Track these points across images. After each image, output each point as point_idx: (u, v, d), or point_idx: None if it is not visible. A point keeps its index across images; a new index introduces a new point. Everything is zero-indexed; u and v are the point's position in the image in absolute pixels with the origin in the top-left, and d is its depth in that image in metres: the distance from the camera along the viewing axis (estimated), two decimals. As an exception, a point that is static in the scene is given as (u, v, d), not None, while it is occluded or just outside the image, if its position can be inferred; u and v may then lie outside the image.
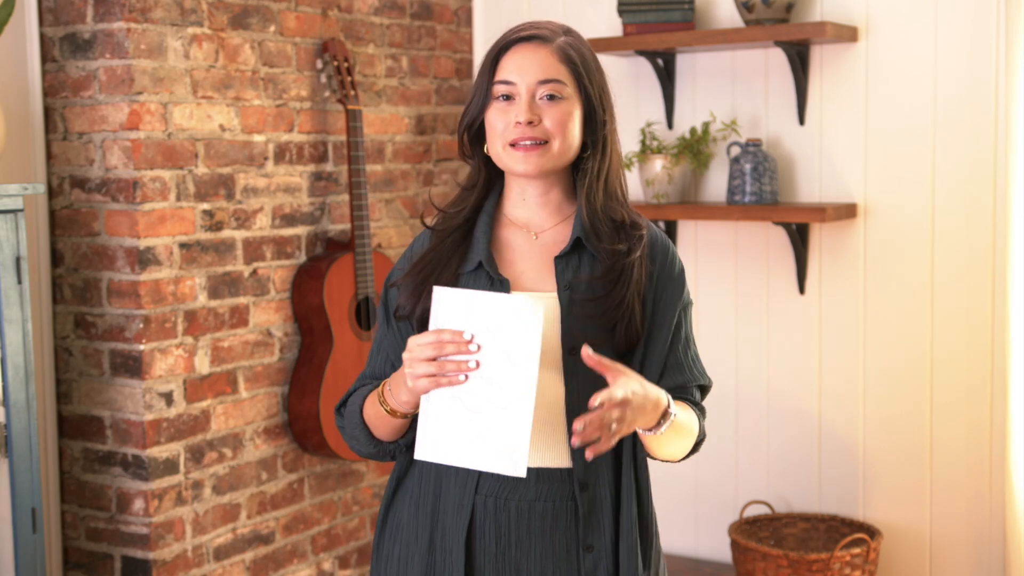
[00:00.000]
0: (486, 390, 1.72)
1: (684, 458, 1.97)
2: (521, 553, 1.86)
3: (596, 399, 1.68)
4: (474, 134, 1.95)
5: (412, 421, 1.90)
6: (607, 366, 1.74)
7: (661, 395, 1.81)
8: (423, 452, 1.78)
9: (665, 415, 1.81)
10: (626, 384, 1.73)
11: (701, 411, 1.97)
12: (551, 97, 1.87)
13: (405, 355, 1.76)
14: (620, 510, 1.89)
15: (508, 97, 1.88)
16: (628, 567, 1.89)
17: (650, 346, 1.92)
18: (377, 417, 1.89)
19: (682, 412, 1.88)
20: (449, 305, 1.75)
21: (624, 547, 1.89)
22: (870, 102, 3.49)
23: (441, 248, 1.93)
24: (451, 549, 1.87)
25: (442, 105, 4.02)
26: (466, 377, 1.73)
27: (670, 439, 1.86)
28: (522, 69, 1.87)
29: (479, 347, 1.72)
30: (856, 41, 3.48)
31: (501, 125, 1.88)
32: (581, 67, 1.90)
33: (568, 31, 1.93)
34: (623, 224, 1.91)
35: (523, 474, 1.73)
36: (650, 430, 1.81)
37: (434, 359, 1.74)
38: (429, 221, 2.00)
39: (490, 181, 1.97)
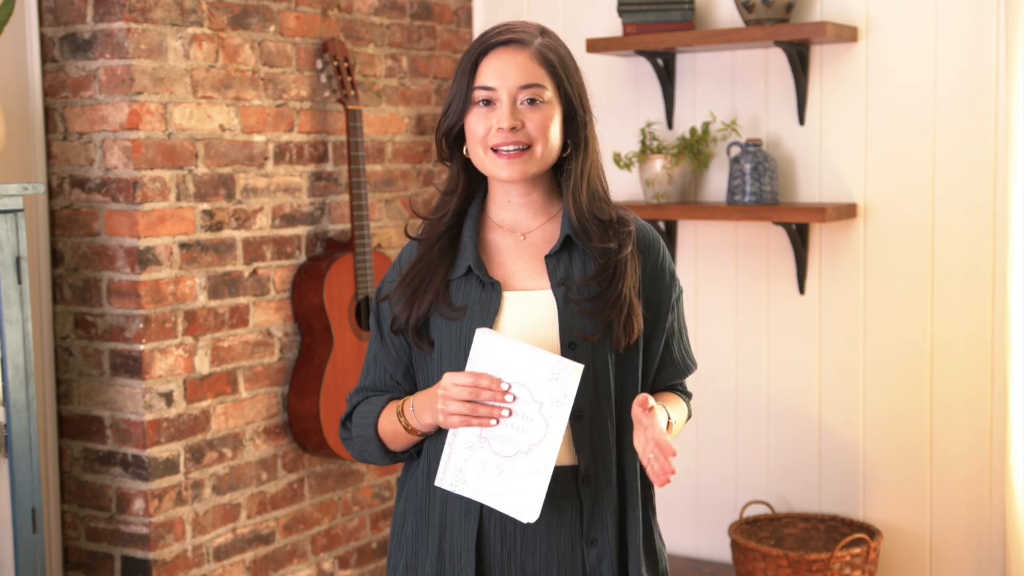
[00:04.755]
0: (514, 437, 1.78)
1: None
2: (526, 552, 1.88)
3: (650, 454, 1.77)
4: (453, 138, 1.95)
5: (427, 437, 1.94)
6: (637, 419, 1.79)
7: (663, 417, 1.88)
8: (443, 482, 1.84)
9: (667, 427, 1.89)
10: (649, 430, 1.80)
11: (688, 396, 2.07)
12: (531, 101, 1.87)
13: (439, 391, 1.80)
14: (625, 506, 1.91)
15: (488, 102, 1.88)
16: (635, 563, 1.91)
17: (649, 345, 1.95)
18: (394, 434, 1.93)
19: (677, 413, 1.97)
20: (489, 349, 1.78)
21: (631, 542, 1.91)
22: (870, 102, 3.49)
23: (429, 257, 1.94)
24: (460, 555, 1.89)
25: (442, 105, 4.02)
26: (497, 422, 1.78)
27: None
28: (502, 74, 1.87)
29: (515, 397, 1.77)
30: (856, 41, 3.48)
31: (482, 130, 1.88)
32: (560, 69, 1.90)
33: (544, 31, 1.93)
34: (610, 221, 1.93)
35: (533, 520, 1.79)
36: None
37: (469, 401, 1.77)
38: (412, 231, 2.01)
39: (470, 185, 1.98)
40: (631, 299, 1.88)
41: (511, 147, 1.86)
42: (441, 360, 1.89)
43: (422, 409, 1.86)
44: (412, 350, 1.95)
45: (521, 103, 1.87)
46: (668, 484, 1.77)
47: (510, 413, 1.77)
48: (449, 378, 1.79)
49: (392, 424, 1.92)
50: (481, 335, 1.79)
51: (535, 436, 1.76)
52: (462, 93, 1.90)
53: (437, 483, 1.83)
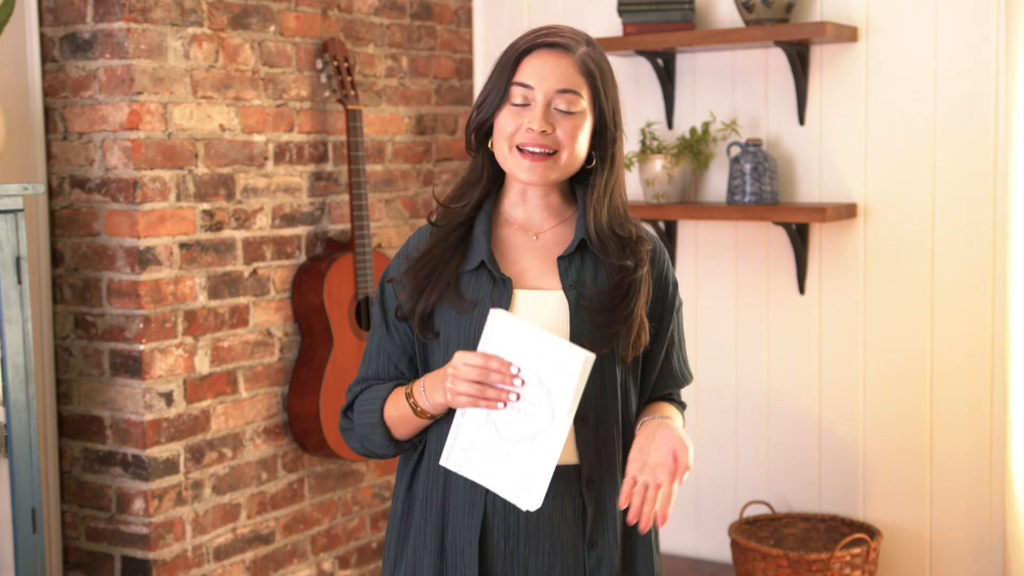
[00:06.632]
0: (520, 422, 1.77)
1: None
2: (529, 550, 1.88)
3: (622, 497, 1.81)
4: (484, 132, 1.95)
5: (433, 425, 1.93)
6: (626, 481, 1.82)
7: (679, 422, 1.92)
8: (448, 461, 1.83)
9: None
10: (636, 457, 1.82)
11: (683, 406, 2.07)
12: (565, 108, 1.87)
13: (449, 369, 1.80)
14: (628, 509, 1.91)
15: (523, 102, 1.88)
16: (641, 565, 1.92)
17: (650, 354, 1.96)
18: (402, 418, 1.91)
19: (678, 420, 1.98)
20: (502, 331, 1.77)
21: (638, 546, 1.91)
22: (870, 102, 3.49)
23: (442, 247, 1.93)
24: (463, 549, 1.88)
25: (442, 105, 4.02)
26: (504, 405, 1.77)
27: None
28: (542, 75, 1.87)
29: (524, 382, 1.76)
30: (856, 41, 3.48)
31: (511, 127, 1.88)
32: (599, 81, 1.90)
33: (589, 41, 1.93)
34: (629, 239, 1.92)
35: (535, 508, 1.78)
36: None
37: (478, 382, 1.77)
38: (434, 218, 2.00)
39: (494, 179, 1.97)
40: (641, 317, 1.90)
41: (537, 149, 1.86)
42: (447, 352, 1.88)
43: (433, 388, 1.84)
44: (415, 339, 1.95)
45: (555, 108, 1.87)
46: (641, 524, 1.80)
47: (518, 397, 1.76)
48: (460, 357, 1.78)
49: (399, 408, 1.90)
50: (495, 316, 1.77)
51: (541, 423, 1.75)
52: (500, 88, 1.90)
53: (442, 462, 1.82)
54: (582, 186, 1.95)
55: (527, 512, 1.87)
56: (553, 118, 1.87)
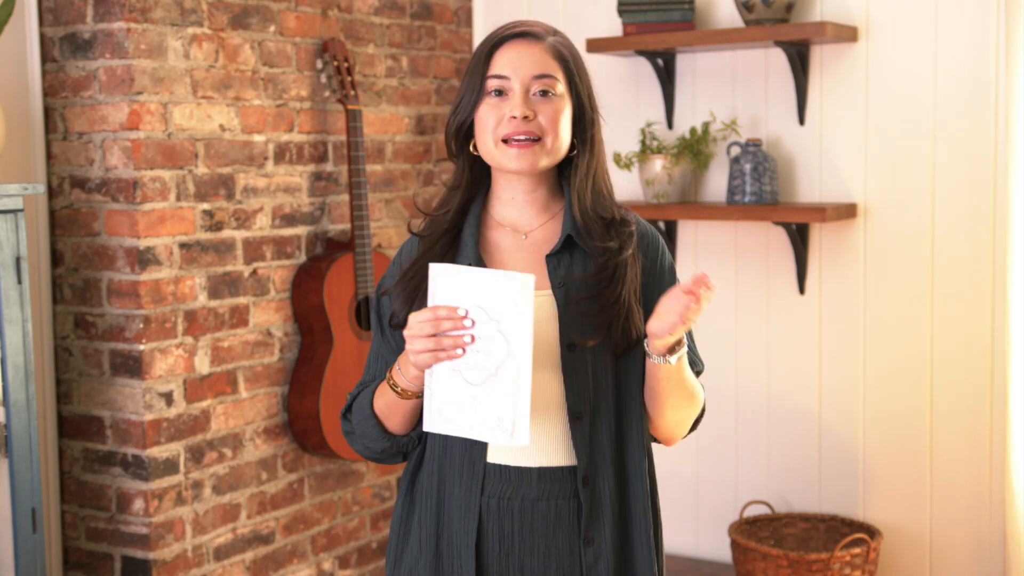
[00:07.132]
0: (482, 363, 1.76)
1: (684, 435, 2.00)
2: (524, 551, 1.87)
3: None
4: (463, 134, 1.94)
5: (421, 408, 1.91)
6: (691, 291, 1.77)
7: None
8: (430, 425, 1.82)
9: (679, 343, 1.83)
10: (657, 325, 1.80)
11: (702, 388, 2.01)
12: (544, 93, 1.88)
13: (406, 332, 1.79)
14: (626, 505, 1.91)
15: (500, 93, 1.88)
16: (640, 561, 1.91)
17: None
18: (388, 405, 1.90)
19: (689, 368, 1.91)
20: (444, 281, 1.78)
21: (635, 543, 1.90)
22: (870, 102, 3.49)
23: (430, 254, 1.93)
24: (459, 553, 1.88)
25: (442, 105, 4.02)
26: (463, 351, 1.76)
27: (678, 395, 1.88)
28: (516, 64, 1.88)
29: (473, 322, 1.75)
30: (856, 41, 3.48)
31: (493, 121, 1.88)
32: (573, 64, 1.91)
33: (556, 31, 1.94)
34: (613, 221, 1.92)
35: (525, 443, 1.75)
36: (664, 355, 1.82)
37: (433, 335, 1.76)
38: (416, 227, 2.00)
39: (475, 182, 1.97)
40: (630, 303, 1.88)
41: (522, 137, 1.86)
42: None
43: (404, 362, 1.84)
44: None
45: (533, 94, 1.87)
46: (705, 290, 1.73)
47: (472, 339, 1.75)
48: (413, 317, 1.78)
49: (384, 395, 1.90)
50: (434, 269, 1.78)
51: (499, 355, 1.75)
52: (475, 85, 1.90)
53: (425, 427, 1.81)
54: (568, 181, 1.95)
55: (522, 513, 1.86)
56: (533, 104, 1.87)
